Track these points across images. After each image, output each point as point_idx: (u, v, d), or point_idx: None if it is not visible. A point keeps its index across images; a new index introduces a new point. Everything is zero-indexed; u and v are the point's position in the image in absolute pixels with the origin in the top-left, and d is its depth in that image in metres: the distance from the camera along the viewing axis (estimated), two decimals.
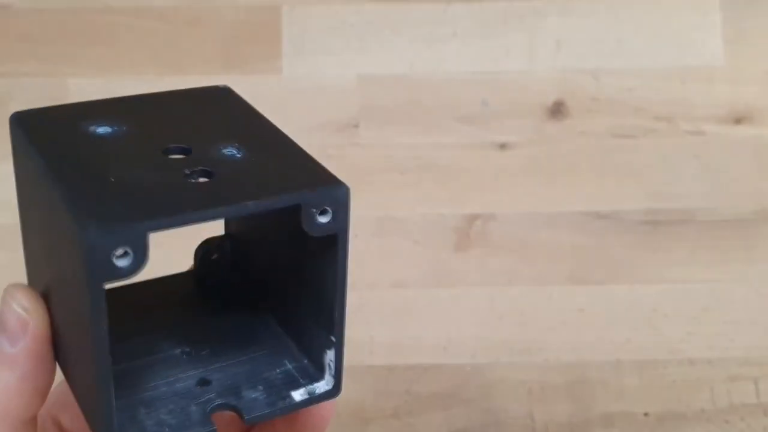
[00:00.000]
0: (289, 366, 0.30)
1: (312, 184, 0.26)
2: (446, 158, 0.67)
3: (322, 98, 0.68)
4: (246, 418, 0.28)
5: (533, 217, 0.66)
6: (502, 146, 0.67)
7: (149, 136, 0.28)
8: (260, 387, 0.29)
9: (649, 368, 0.62)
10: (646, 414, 0.61)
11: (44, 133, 0.28)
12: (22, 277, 0.30)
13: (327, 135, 0.67)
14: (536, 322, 0.63)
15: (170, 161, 0.27)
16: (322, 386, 0.29)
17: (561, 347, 0.62)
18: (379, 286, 0.64)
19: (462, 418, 0.60)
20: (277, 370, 0.30)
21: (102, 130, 0.28)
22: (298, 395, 0.29)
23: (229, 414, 0.28)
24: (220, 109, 0.31)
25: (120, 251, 0.23)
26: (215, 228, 0.32)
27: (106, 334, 0.24)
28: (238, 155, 0.27)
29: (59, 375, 0.28)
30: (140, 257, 0.23)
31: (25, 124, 0.28)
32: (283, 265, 0.30)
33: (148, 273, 0.24)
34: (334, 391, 0.29)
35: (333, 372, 0.29)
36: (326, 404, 0.30)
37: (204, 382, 0.29)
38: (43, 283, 0.28)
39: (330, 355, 0.29)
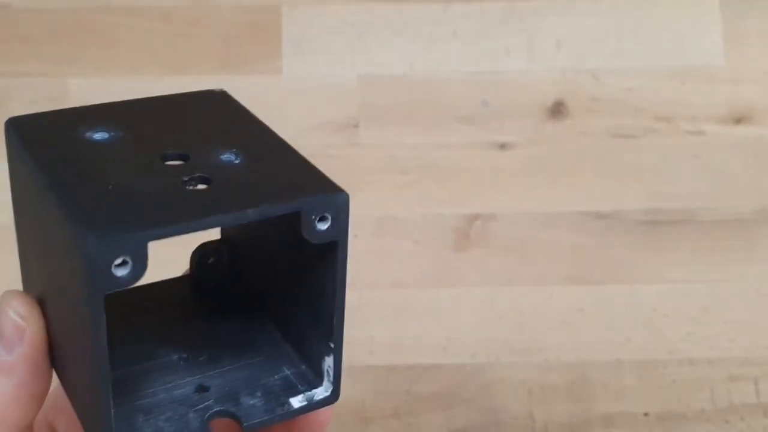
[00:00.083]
0: (288, 372, 0.30)
1: (311, 191, 0.26)
2: (446, 158, 0.67)
3: (322, 98, 0.68)
4: (244, 425, 0.28)
5: (533, 217, 0.66)
6: (502, 146, 0.67)
7: (146, 142, 0.28)
8: (258, 393, 0.29)
9: (649, 368, 0.62)
10: (646, 414, 0.61)
11: (39, 139, 0.28)
12: (20, 278, 0.30)
13: (327, 135, 0.67)
14: (536, 322, 0.63)
15: (168, 168, 0.26)
16: (321, 392, 0.29)
17: (561, 347, 0.62)
18: (379, 286, 0.64)
19: (462, 418, 0.60)
20: (276, 377, 0.29)
21: (98, 135, 0.28)
22: (296, 401, 0.29)
23: (227, 421, 0.28)
24: (217, 114, 0.30)
25: (119, 260, 0.23)
26: (211, 232, 0.31)
27: (105, 343, 0.24)
28: (236, 161, 0.27)
29: (54, 379, 0.28)
30: (140, 266, 0.23)
31: (19, 129, 0.28)
32: (280, 270, 0.30)
33: (144, 277, 0.24)
34: (333, 398, 0.29)
35: (331, 378, 0.29)
36: (324, 410, 0.30)
37: (202, 389, 0.29)
38: (39, 289, 0.28)
39: (328, 361, 0.28)
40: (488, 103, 0.68)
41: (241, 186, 0.26)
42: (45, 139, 0.28)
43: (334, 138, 0.67)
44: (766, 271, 0.65)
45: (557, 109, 0.68)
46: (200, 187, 0.26)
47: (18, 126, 0.28)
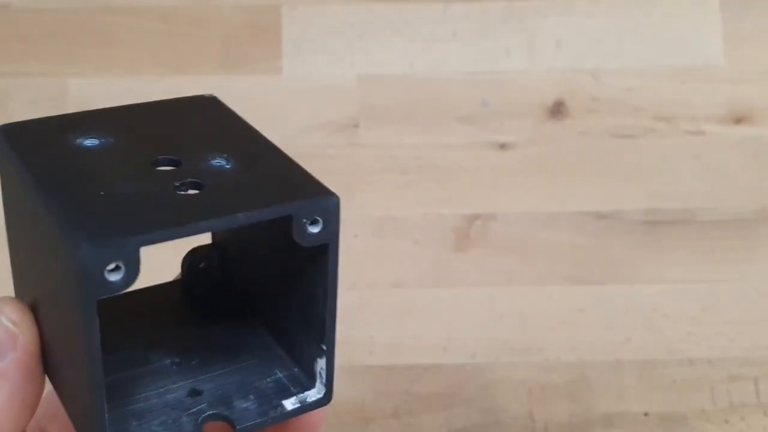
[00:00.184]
0: (280, 375, 0.30)
1: (302, 195, 0.26)
2: (446, 158, 0.67)
3: (322, 98, 0.68)
4: (238, 427, 0.28)
5: (533, 217, 0.66)
6: (502, 146, 0.67)
7: (137, 148, 0.28)
8: (251, 396, 0.29)
9: (649, 368, 0.62)
10: (646, 414, 0.61)
11: (30, 145, 0.28)
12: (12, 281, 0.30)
13: (327, 135, 0.67)
14: (536, 322, 0.63)
15: (159, 173, 0.26)
16: (314, 394, 0.29)
17: (561, 347, 0.62)
18: (379, 286, 0.64)
19: (462, 418, 0.60)
20: (268, 379, 0.29)
21: (89, 142, 0.28)
22: (289, 404, 0.29)
23: (220, 424, 0.28)
24: (207, 120, 0.31)
25: (112, 266, 0.23)
26: (203, 237, 0.31)
27: (98, 348, 0.24)
28: (228, 166, 0.27)
29: (47, 385, 0.28)
30: (132, 271, 0.23)
31: (9, 136, 0.28)
32: (272, 274, 0.30)
33: (135, 282, 0.24)
34: (326, 399, 0.29)
35: (324, 380, 0.29)
36: (317, 412, 0.30)
37: (195, 393, 0.29)
38: (32, 295, 0.28)
39: (321, 363, 0.28)
40: (488, 103, 0.68)
41: (232, 190, 0.26)
42: (36, 146, 0.28)
43: (334, 138, 0.67)
44: (766, 271, 0.65)
45: (557, 109, 0.68)
46: (192, 192, 0.26)
47: (8, 133, 0.28)
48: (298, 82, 0.68)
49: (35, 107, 0.66)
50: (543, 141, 0.68)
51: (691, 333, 0.63)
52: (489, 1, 0.70)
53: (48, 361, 0.27)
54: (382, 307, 0.63)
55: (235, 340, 0.31)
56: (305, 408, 0.29)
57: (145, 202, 0.25)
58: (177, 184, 0.26)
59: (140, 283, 0.25)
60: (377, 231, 0.65)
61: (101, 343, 0.24)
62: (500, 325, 0.63)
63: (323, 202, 0.26)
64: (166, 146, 0.28)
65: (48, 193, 0.25)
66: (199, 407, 0.28)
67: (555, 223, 0.66)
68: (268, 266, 0.31)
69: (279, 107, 0.67)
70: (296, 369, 0.30)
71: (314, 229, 0.26)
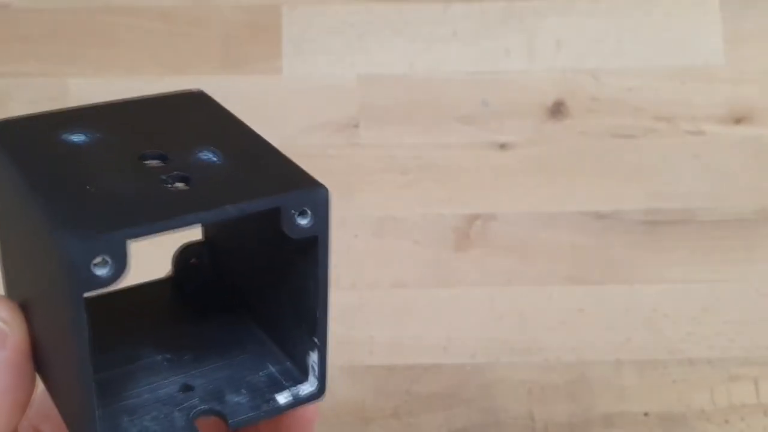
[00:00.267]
0: (273, 369, 0.30)
1: (291, 187, 0.26)
2: (446, 158, 0.67)
3: (322, 98, 0.68)
4: (230, 422, 0.28)
5: (533, 217, 0.66)
6: (502, 146, 0.67)
7: (125, 143, 0.28)
8: (244, 391, 0.29)
9: (649, 368, 0.62)
10: (646, 414, 0.61)
11: (18, 142, 0.27)
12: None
13: (327, 135, 0.67)
14: (536, 322, 0.63)
15: (147, 168, 0.26)
16: (306, 388, 0.29)
17: (561, 347, 0.62)
18: (379, 286, 0.64)
19: (462, 418, 0.60)
20: (261, 374, 0.29)
21: (76, 138, 0.28)
22: (282, 398, 0.29)
23: (213, 419, 0.28)
24: (195, 114, 0.30)
25: (99, 260, 0.23)
26: (193, 234, 0.31)
27: (88, 344, 0.24)
28: (215, 160, 0.27)
29: (39, 384, 0.28)
30: (120, 266, 0.23)
31: None
32: (263, 269, 0.30)
33: (125, 280, 0.24)
34: (319, 393, 0.29)
35: (317, 374, 0.29)
36: (310, 407, 0.30)
37: (187, 388, 0.29)
38: (22, 293, 0.28)
39: (313, 357, 0.28)
40: (488, 103, 0.68)
41: (220, 184, 0.26)
42: (23, 142, 0.28)
43: (334, 138, 0.67)
44: (766, 271, 0.65)
45: (557, 109, 0.68)
46: (179, 186, 0.26)
47: None
48: (298, 82, 0.68)
49: (35, 107, 0.65)
50: (543, 141, 0.68)
51: (691, 333, 0.63)
52: (489, 1, 0.70)
53: (39, 359, 0.27)
54: (382, 307, 0.63)
55: (227, 335, 0.31)
56: (298, 402, 0.29)
57: (132, 196, 0.25)
58: (164, 178, 0.26)
59: (131, 280, 0.25)
60: (377, 231, 0.65)
61: (92, 340, 0.24)
62: (500, 325, 0.63)
63: (312, 193, 0.26)
64: (153, 141, 0.28)
65: (35, 188, 0.25)
66: (191, 402, 0.28)
67: (555, 223, 0.66)
68: (259, 261, 0.31)
69: (279, 107, 0.67)
70: (289, 363, 0.30)
71: (303, 221, 0.26)
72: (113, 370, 0.29)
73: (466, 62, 0.69)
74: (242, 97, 0.66)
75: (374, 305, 0.63)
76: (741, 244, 0.65)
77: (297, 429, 0.31)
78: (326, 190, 0.26)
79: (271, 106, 0.67)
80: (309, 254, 0.27)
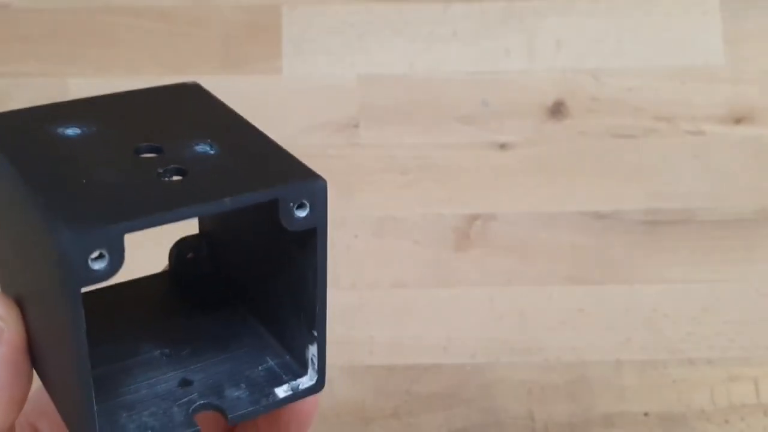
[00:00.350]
0: (272, 363, 0.29)
1: (289, 178, 0.25)
2: (446, 158, 0.67)
3: (322, 98, 0.68)
4: (229, 417, 0.28)
5: (533, 217, 0.66)
6: (502, 146, 0.67)
7: (120, 136, 0.28)
8: (243, 385, 0.29)
9: (649, 368, 0.62)
10: (646, 414, 0.61)
11: (12, 136, 0.27)
12: None
13: (327, 135, 0.67)
14: (536, 322, 0.63)
15: (142, 161, 0.26)
16: (306, 381, 0.29)
17: (561, 347, 0.62)
18: (379, 286, 0.64)
19: (462, 418, 0.60)
20: (259, 368, 0.29)
21: (71, 131, 0.28)
22: (281, 392, 0.28)
23: (212, 414, 0.28)
24: (190, 106, 0.30)
25: (96, 254, 0.22)
26: (189, 227, 0.31)
27: (85, 339, 0.23)
28: (212, 152, 0.27)
29: (36, 381, 0.28)
30: (117, 259, 0.23)
31: None
32: (260, 262, 0.30)
33: (122, 275, 0.24)
34: (318, 386, 0.29)
35: (316, 367, 0.28)
36: (310, 400, 0.30)
37: (185, 383, 0.29)
38: (18, 289, 0.28)
39: (312, 350, 0.28)
40: (488, 103, 0.68)
41: (217, 176, 0.26)
42: (18, 136, 0.27)
43: (334, 138, 0.67)
44: (766, 271, 0.65)
45: (557, 109, 0.68)
46: (175, 178, 0.25)
47: None
48: (298, 82, 0.68)
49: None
50: (543, 141, 0.68)
51: (691, 333, 0.63)
52: (489, 1, 0.70)
53: (36, 356, 0.27)
54: (382, 307, 0.63)
55: (225, 329, 0.31)
56: (297, 395, 0.29)
57: (128, 189, 0.25)
58: (160, 170, 0.25)
59: (128, 275, 0.25)
60: (377, 231, 0.65)
61: (89, 335, 0.24)
62: (500, 325, 0.63)
63: (310, 185, 0.25)
64: (148, 134, 0.28)
65: (30, 183, 0.25)
66: (190, 397, 0.28)
67: (555, 223, 0.66)
68: (257, 254, 0.30)
69: (279, 107, 0.67)
70: (288, 357, 0.30)
71: (301, 213, 0.25)
72: (111, 365, 0.29)
73: (466, 62, 0.69)
74: (242, 97, 0.66)
75: (374, 305, 0.63)
76: (741, 244, 0.65)
77: (296, 422, 0.31)
78: (324, 181, 0.26)
79: (271, 106, 0.67)
80: (307, 246, 0.27)
